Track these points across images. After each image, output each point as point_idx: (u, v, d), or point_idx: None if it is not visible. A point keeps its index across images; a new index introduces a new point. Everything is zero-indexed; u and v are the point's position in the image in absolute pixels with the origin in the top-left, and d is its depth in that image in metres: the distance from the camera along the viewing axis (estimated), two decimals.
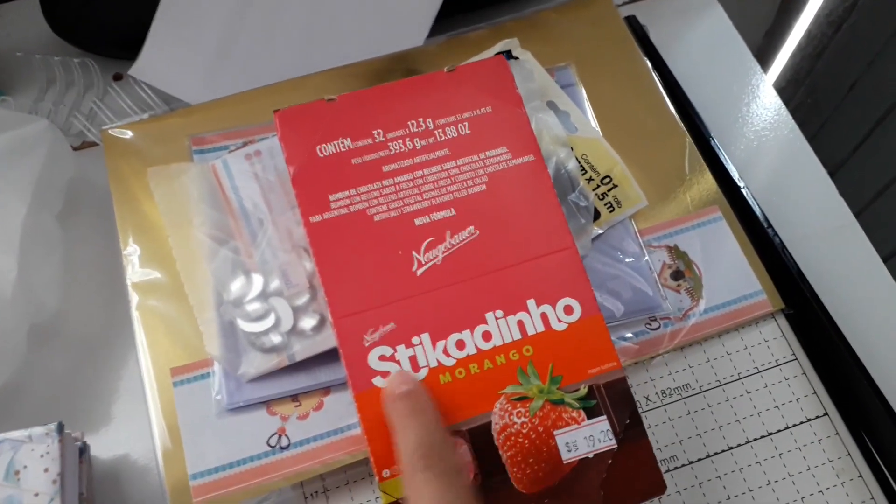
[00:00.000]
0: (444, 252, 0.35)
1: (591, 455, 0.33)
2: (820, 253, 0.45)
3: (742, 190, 0.45)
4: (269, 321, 0.39)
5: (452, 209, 0.35)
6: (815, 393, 0.41)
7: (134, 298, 0.41)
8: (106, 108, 0.51)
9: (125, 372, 0.43)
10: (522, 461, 0.32)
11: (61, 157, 0.45)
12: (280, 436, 0.39)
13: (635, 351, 0.41)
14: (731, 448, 0.40)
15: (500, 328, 0.34)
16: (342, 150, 0.36)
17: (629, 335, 0.41)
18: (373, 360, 0.33)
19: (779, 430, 0.40)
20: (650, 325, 0.42)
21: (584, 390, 0.34)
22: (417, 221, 0.35)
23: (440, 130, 0.37)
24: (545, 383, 0.33)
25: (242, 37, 0.50)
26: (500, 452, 0.33)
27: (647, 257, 0.43)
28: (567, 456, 0.33)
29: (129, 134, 0.46)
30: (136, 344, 0.41)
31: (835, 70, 0.79)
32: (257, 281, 0.40)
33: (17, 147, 0.42)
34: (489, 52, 0.47)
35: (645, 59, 0.50)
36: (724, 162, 0.47)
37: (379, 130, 0.37)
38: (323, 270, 0.34)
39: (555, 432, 0.33)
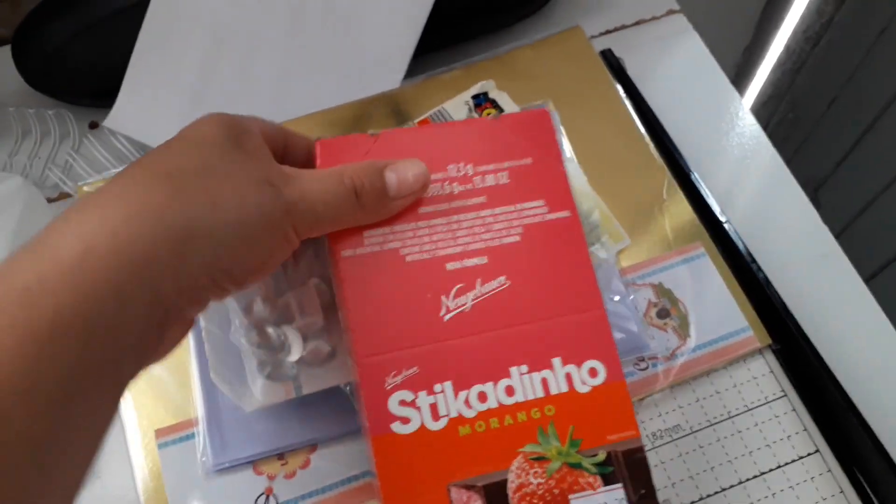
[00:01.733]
0: (473, 300, 0.34)
1: None
2: (804, 284, 0.45)
3: (724, 225, 0.45)
4: (279, 349, 0.38)
5: (485, 257, 0.35)
6: (805, 430, 0.41)
7: None
8: (81, 158, 0.50)
9: (110, 433, 0.42)
10: None
11: (37, 212, 0.45)
12: (268, 496, 0.38)
13: None
14: (724, 489, 0.39)
15: (524, 384, 0.33)
16: None
17: None
18: (393, 404, 0.32)
19: (771, 470, 0.40)
20: (639, 365, 0.42)
21: (602, 456, 0.33)
22: (449, 266, 0.34)
23: (479, 177, 0.36)
24: (564, 445, 0.33)
25: (218, 85, 0.49)
26: None
27: (632, 296, 0.43)
28: None
29: None
30: (120, 405, 0.40)
31: (815, 85, 0.79)
32: (270, 307, 0.39)
33: None
34: (466, 94, 0.47)
35: (622, 92, 0.50)
36: (705, 196, 0.46)
37: None
38: (350, 307, 0.33)
39: (570, 496, 0.32)
